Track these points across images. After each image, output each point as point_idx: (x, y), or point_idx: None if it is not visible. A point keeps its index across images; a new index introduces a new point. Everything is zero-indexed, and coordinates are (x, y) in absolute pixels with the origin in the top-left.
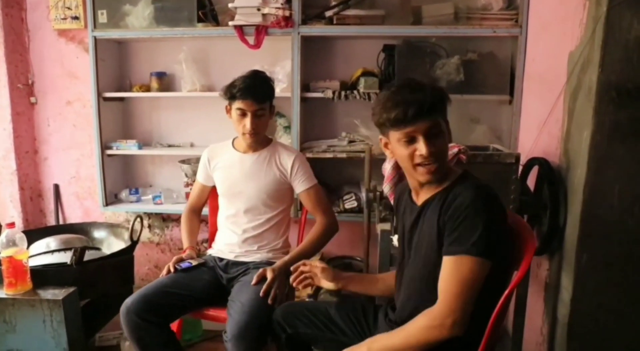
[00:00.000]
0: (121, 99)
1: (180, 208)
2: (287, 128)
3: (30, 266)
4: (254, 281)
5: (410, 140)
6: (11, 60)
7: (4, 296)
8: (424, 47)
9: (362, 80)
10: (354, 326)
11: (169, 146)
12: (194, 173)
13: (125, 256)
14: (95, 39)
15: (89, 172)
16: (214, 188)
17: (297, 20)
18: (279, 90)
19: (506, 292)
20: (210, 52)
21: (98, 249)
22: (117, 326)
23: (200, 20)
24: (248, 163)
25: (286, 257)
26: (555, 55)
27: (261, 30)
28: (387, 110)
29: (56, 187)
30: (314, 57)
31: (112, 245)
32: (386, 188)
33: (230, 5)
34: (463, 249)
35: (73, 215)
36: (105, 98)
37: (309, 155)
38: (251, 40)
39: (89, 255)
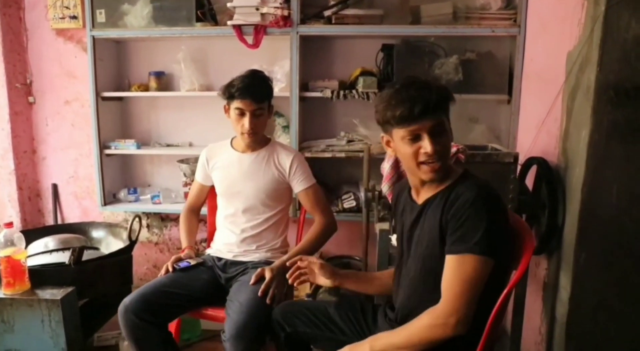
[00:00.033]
0: (120, 99)
1: (179, 207)
2: (286, 127)
3: (29, 266)
4: (252, 281)
5: (415, 138)
6: (9, 59)
7: (2, 296)
8: (422, 46)
9: (360, 79)
10: (353, 325)
11: (168, 146)
12: (193, 172)
13: (124, 256)
14: (94, 39)
15: (87, 172)
16: (212, 188)
17: (296, 19)
18: (278, 89)
19: (505, 291)
20: (208, 51)
21: (96, 249)
22: (115, 326)
23: (198, 19)
24: (246, 162)
25: (284, 257)
26: (553, 55)
27: (260, 30)
28: (392, 108)
29: (54, 187)
30: (312, 56)
31: (110, 244)
32: (385, 187)
33: (228, 4)
34: (466, 248)
35: (71, 214)
36: (104, 97)
37: (308, 154)
38: (250, 39)
39: (87, 255)
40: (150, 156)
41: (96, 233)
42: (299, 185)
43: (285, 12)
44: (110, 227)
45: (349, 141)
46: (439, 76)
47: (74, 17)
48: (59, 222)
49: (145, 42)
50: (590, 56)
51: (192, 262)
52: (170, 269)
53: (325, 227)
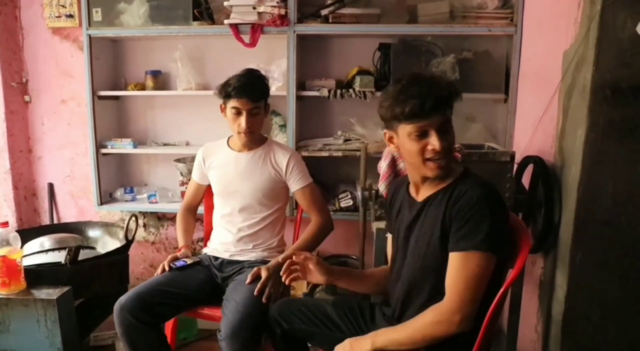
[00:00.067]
0: (116, 98)
1: (176, 207)
2: (283, 126)
3: (24, 266)
4: (248, 280)
5: (422, 135)
6: (5, 58)
7: None
8: (419, 45)
9: (357, 78)
10: (350, 323)
11: (164, 145)
12: (189, 172)
13: (120, 255)
14: (90, 37)
15: (83, 171)
16: (209, 187)
17: (293, 18)
18: (275, 88)
19: (502, 290)
20: (205, 50)
21: (93, 248)
22: (112, 325)
23: (195, 18)
24: (243, 162)
25: (281, 256)
26: (550, 54)
27: (257, 29)
28: (401, 103)
29: (50, 186)
30: (309, 55)
31: (107, 244)
32: (382, 186)
33: (225, 3)
34: (472, 245)
35: (67, 214)
36: (100, 96)
37: (305, 153)
38: (247, 38)
39: (83, 254)
40: (146, 155)
41: (92, 233)
42: (296, 184)
43: (282, 11)
44: (107, 227)
45: (346, 140)
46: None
47: (70, 16)
48: (55, 221)
49: (142, 41)
50: (586, 55)
51: (189, 261)
52: (167, 268)
53: (322, 226)
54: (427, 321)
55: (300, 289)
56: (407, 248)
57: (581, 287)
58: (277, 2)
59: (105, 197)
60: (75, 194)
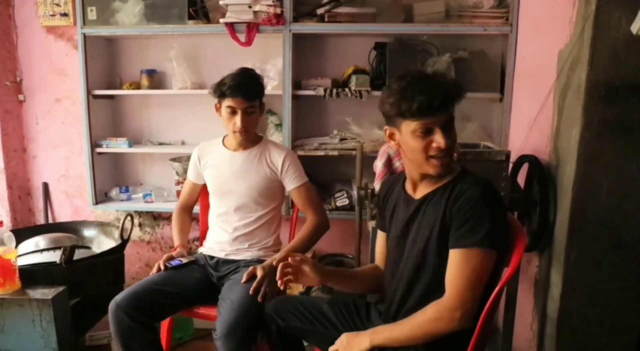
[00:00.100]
0: (111, 97)
1: (171, 206)
2: (279, 126)
3: (19, 266)
4: (243, 280)
5: (427, 132)
6: None
7: None
8: (415, 45)
9: (353, 78)
10: (346, 321)
11: (160, 144)
12: (185, 171)
13: (116, 255)
14: (85, 36)
15: (78, 170)
16: (205, 187)
17: (289, 17)
18: (270, 87)
19: (497, 288)
20: (201, 49)
21: (88, 248)
22: (107, 325)
23: (190, 17)
24: (238, 161)
25: (277, 255)
26: (545, 53)
27: (252, 28)
28: (408, 99)
29: (45, 186)
30: (305, 54)
31: (102, 243)
32: (377, 185)
33: (221, 2)
34: (473, 242)
35: (62, 213)
36: (95, 95)
37: (301, 152)
38: (242, 37)
39: (78, 254)
40: (142, 154)
41: (88, 232)
42: (291, 183)
43: (278, 10)
44: (102, 226)
45: (342, 139)
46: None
47: (65, 15)
48: (50, 221)
49: (137, 40)
50: (581, 55)
51: (184, 260)
52: (162, 267)
53: (318, 225)
54: (427, 318)
55: (296, 287)
56: (404, 246)
57: (576, 286)
58: (273, 1)
59: (101, 197)
60: (70, 194)
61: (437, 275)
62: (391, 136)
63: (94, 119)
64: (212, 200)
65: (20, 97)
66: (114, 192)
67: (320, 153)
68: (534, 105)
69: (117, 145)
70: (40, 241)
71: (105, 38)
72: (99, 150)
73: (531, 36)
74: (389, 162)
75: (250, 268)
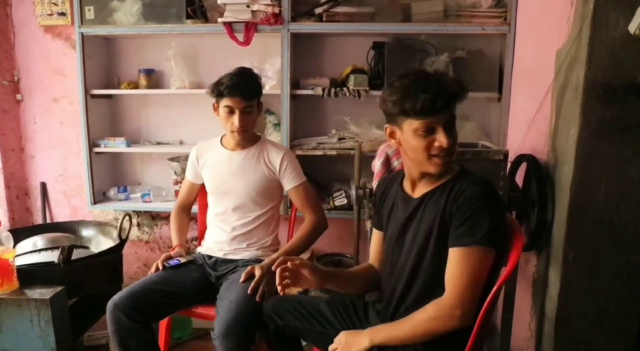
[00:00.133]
0: (109, 96)
1: (170, 206)
2: (277, 125)
3: (17, 266)
4: (242, 279)
5: (429, 131)
6: None
7: None
8: (413, 44)
9: (351, 77)
10: (344, 321)
11: (158, 144)
12: (183, 171)
13: (114, 254)
14: (83, 36)
15: (76, 170)
16: (203, 186)
17: (287, 17)
18: (269, 87)
19: (495, 288)
20: (199, 49)
21: (86, 248)
22: (105, 325)
23: (189, 16)
24: (236, 160)
25: (275, 255)
26: (543, 53)
27: (250, 27)
28: (412, 97)
29: (43, 185)
30: (303, 54)
31: (100, 243)
32: (376, 185)
33: (219, 1)
34: (474, 240)
35: (60, 213)
36: (93, 95)
37: (299, 152)
38: (240, 37)
39: (76, 254)
40: (140, 154)
41: (86, 232)
42: (290, 182)
43: (276, 10)
44: (100, 226)
45: (340, 139)
46: None
47: (62, 14)
48: (48, 220)
49: (135, 39)
50: (579, 54)
51: (182, 260)
52: (160, 267)
53: (316, 225)
54: (427, 317)
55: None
56: (403, 245)
57: (574, 285)
58: (271, 1)
59: (99, 196)
60: (68, 193)
61: (435, 274)
62: (392, 134)
63: (91, 119)
64: (210, 199)
65: (18, 96)
66: (112, 192)
67: (319, 152)
68: (532, 105)
69: (115, 145)
70: (38, 241)
71: (103, 37)
72: (97, 149)
73: (529, 36)
74: (387, 162)
75: (249, 267)
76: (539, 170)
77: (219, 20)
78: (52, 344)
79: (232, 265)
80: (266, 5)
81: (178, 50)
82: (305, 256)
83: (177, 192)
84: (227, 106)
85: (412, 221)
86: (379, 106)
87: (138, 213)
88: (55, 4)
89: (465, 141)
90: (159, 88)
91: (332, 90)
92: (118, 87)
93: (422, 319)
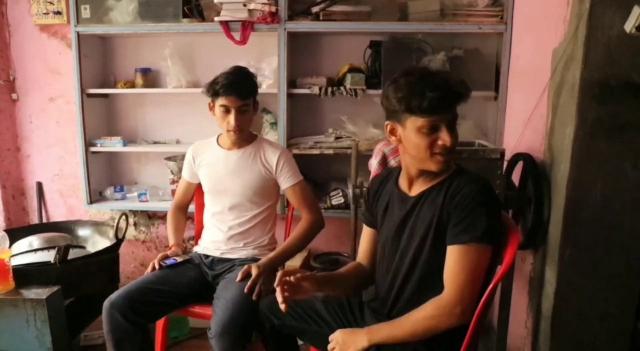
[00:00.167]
0: (105, 96)
1: (166, 205)
2: (274, 124)
3: (13, 266)
4: (238, 278)
5: (433, 129)
6: None
7: None
8: (410, 43)
9: (348, 76)
10: (340, 320)
11: (155, 143)
12: (180, 170)
13: (110, 254)
14: (79, 35)
15: (72, 170)
16: (199, 186)
17: (284, 16)
18: (266, 86)
19: (491, 286)
20: (195, 48)
21: (82, 247)
22: (102, 325)
23: (185, 15)
24: (233, 160)
25: (271, 254)
26: (539, 52)
27: (247, 26)
28: (418, 96)
29: (39, 185)
30: (300, 53)
31: (97, 243)
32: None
33: (215, 0)
34: (472, 237)
35: (57, 213)
36: (89, 94)
37: (296, 151)
38: (237, 36)
39: (73, 254)
40: (136, 153)
41: (82, 232)
42: (286, 181)
43: (273, 9)
44: (97, 226)
45: (337, 138)
46: None
47: (58, 13)
48: (44, 220)
49: (131, 38)
50: (575, 53)
51: (179, 259)
52: (157, 266)
53: (313, 224)
54: (427, 315)
55: None
56: (399, 243)
57: (570, 283)
58: (268, 0)
59: (95, 196)
60: (65, 193)
61: (431, 272)
62: (392, 131)
63: (88, 118)
64: (207, 199)
65: (14, 95)
66: (108, 191)
67: (316, 151)
68: (528, 104)
69: (112, 144)
70: (34, 241)
71: (99, 36)
72: (93, 149)
73: (526, 35)
74: (384, 161)
75: (245, 266)
76: (535, 168)
77: (216, 19)
78: (49, 344)
79: (229, 264)
80: (263, 4)
81: (174, 49)
82: (302, 255)
83: (173, 192)
84: (222, 105)
85: (409, 219)
86: (380, 103)
87: (135, 212)
88: (51, 2)
89: (462, 140)
90: (155, 88)
91: (329, 89)
92: (114, 86)
93: (422, 317)
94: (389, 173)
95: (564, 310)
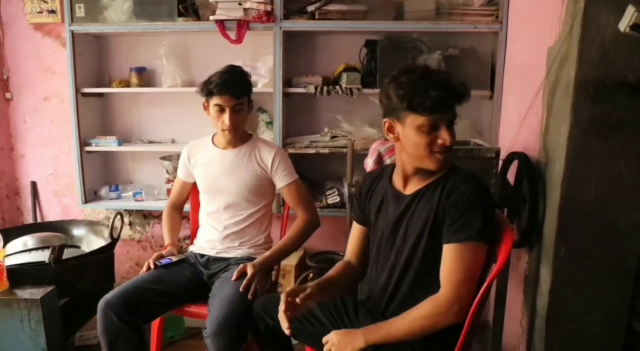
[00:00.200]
0: (100, 95)
1: (162, 205)
2: (270, 123)
3: (7, 266)
4: (234, 277)
5: (433, 128)
6: None
7: None
8: (405, 42)
9: (344, 75)
10: (335, 320)
11: (150, 142)
12: (175, 169)
13: (105, 254)
14: (73, 34)
15: (67, 169)
16: (195, 185)
17: (279, 15)
18: (261, 85)
19: (485, 284)
20: (191, 47)
21: (77, 247)
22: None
23: (180, 14)
24: (228, 159)
25: (267, 253)
26: (534, 51)
27: (243, 25)
28: (421, 94)
29: (33, 185)
30: (296, 52)
31: (91, 243)
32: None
33: None
34: (468, 236)
35: (51, 212)
36: (84, 93)
37: (292, 150)
38: (232, 35)
39: (67, 253)
40: (132, 153)
41: (77, 232)
42: (282, 180)
43: (269, 7)
44: (92, 225)
45: (333, 137)
46: None
47: (52, 12)
48: (39, 220)
49: (126, 37)
50: (570, 52)
51: (174, 259)
52: (152, 266)
53: (308, 223)
54: (425, 314)
55: (288, 286)
56: (395, 241)
57: (565, 281)
58: None
59: (90, 195)
60: (59, 192)
61: (426, 270)
62: (390, 129)
63: (82, 117)
64: (203, 198)
65: (7, 95)
66: (103, 191)
67: (311, 150)
68: (523, 103)
69: (107, 144)
70: (28, 240)
71: (94, 35)
72: (88, 148)
73: (521, 34)
74: (379, 159)
75: (241, 265)
76: (530, 167)
77: (211, 18)
78: (43, 344)
79: (225, 264)
80: (258, 3)
81: (170, 48)
82: (298, 254)
83: (169, 191)
84: (217, 104)
85: (404, 218)
86: (376, 101)
87: (130, 212)
88: (45, 1)
89: (458, 139)
90: (150, 87)
91: (325, 88)
92: (109, 85)
93: (419, 316)
94: (382, 170)
95: (558, 308)
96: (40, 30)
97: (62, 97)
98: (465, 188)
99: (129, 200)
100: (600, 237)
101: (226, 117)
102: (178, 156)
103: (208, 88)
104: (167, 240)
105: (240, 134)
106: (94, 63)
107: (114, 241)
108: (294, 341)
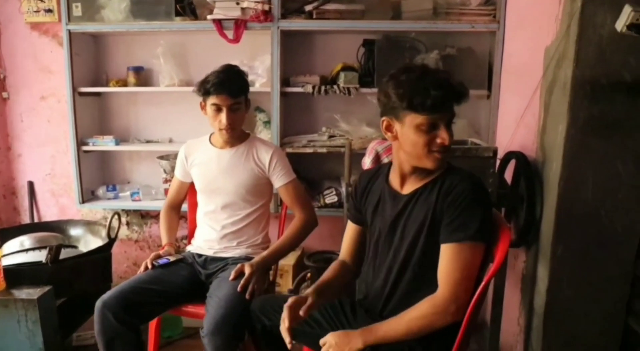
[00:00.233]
0: (97, 94)
1: (159, 204)
2: (267, 123)
3: (4, 266)
4: (231, 277)
5: (432, 127)
6: None
7: None
8: (403, 42)
9: (342, 75)
10: (332, 321)
11: (147, 142)
12: (173, 169)
13: (103, 254)
14: (70, 33)
15: (64, 169)
16: (192, 185)
17: (277, 14)
18: (259, 85)
19: (483, 283)
20: (188, 46)
21: (74, 247)
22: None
23: (178, 13)
24: (225, 158)
25: (265, 253)
26: (531, 50)
27: (240, 25)
28: (421, 93)
29: (30, 184)
30: (293, 51)
31: (89, 242)
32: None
33: None
34: (466, 236)
35: (48, 212)
36: (81, 93)
37: (289, 150)
38: (230, 34)
39: (65, 253)
40: (129, 152)
41: (74, 231)
42: (279, 180)
43: (266, 7)
44: (89, 225)
45: (331, 136)
46: None
47: (49, 11)
48: (36, 220)
49: (123, 37)
50: (567, 52)
51: (172, 259)
52: (150, 266)
53: (306, 223)
54: (422, 313)
55: (285, 286)
56: (392, 241)
57: (562, 280)
58: None
59: (87, 195)
60: (56, 192)
61: (423, 270)
62: (388, 127)
63: (79, 117)
64: (200, 198)
65: (4, 94)
66: (100, 191)
67: (309, 150)
68: (521, 102)
69: (104, 143)
70: (25, 240)
71: (91, 34)
72: (85, 148)
73: (518, 33)
74: (377, 159)
75: (238, 265)
76: (527, 167)
77: (209, 17)
78: (40, 345)
79: (222, 263)
80: (256, 2)
81: (167, 48)
82: (295, 254)
83: (166, 191)
84: (214, 104)
85: (402, 218)
86: (374, 100)
87: (127, 212)
88: (42, 0)
89: (455, 138)
90: (147, 86)
91: (322, 87)
92: (106, 84)
93: (417, 316)
94: (378, 169)
95: (556, 307)
96: (37, 29)
97: (59, 96)
98: (463, 188)
99: (126, 199)
100: (597, 235)
101: (223, 116)
102: (175, 156)
103: (205, 88)
104: (164, 240)
105: (237, 134)
106: (91, 62)
107: (111, 241)
108: None
